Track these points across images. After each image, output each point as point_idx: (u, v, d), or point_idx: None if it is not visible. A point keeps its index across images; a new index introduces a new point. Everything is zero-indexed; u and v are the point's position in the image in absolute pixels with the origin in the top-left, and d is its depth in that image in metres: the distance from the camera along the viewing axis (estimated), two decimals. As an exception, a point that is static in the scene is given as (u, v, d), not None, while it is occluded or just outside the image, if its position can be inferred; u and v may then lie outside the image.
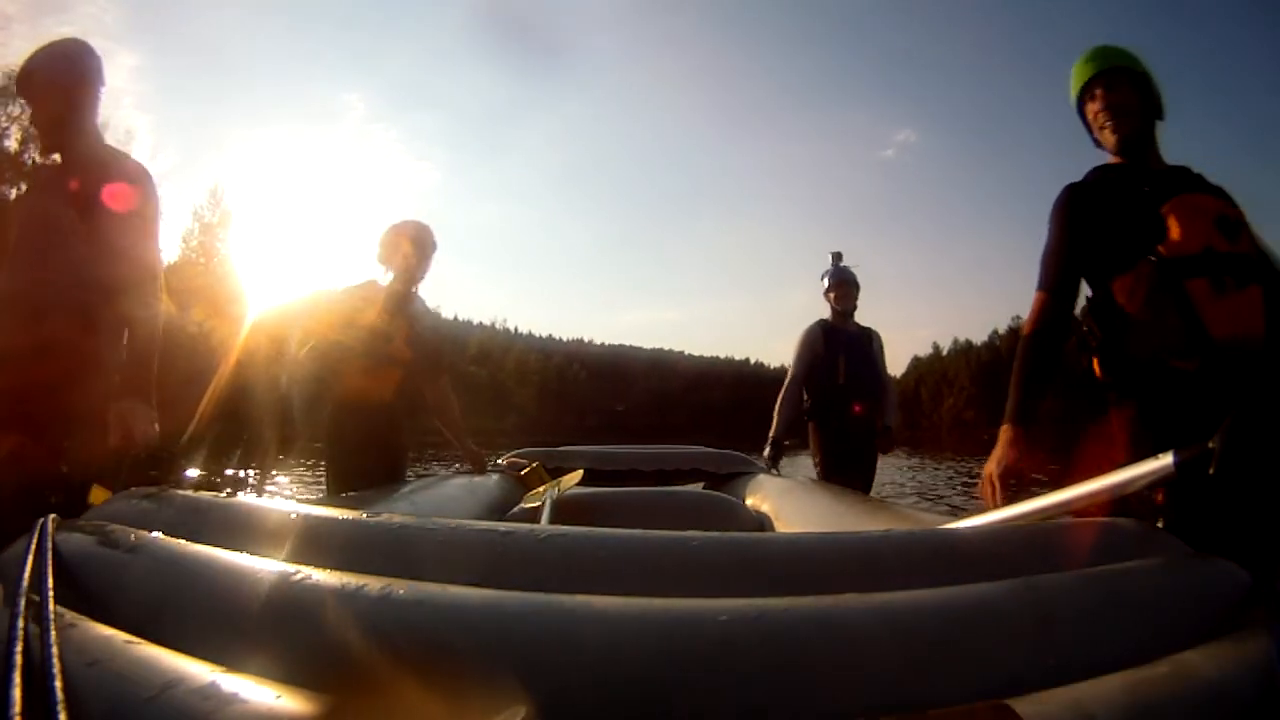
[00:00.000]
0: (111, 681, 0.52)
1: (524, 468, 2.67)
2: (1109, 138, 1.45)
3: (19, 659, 0.50)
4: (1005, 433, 1.35)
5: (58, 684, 0.49)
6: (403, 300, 2.38)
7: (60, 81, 1.57)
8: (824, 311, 3.21)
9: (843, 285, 3.11)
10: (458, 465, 2.65)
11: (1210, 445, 0.83)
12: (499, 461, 2.80)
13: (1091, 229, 1.39)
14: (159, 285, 1.54)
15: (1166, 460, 0.89)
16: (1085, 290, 1.45)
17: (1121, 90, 1.44)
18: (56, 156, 1.62)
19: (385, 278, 2.40)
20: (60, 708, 0.47)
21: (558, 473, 2.50)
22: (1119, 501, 0.99)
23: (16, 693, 0.48)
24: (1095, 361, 1.42)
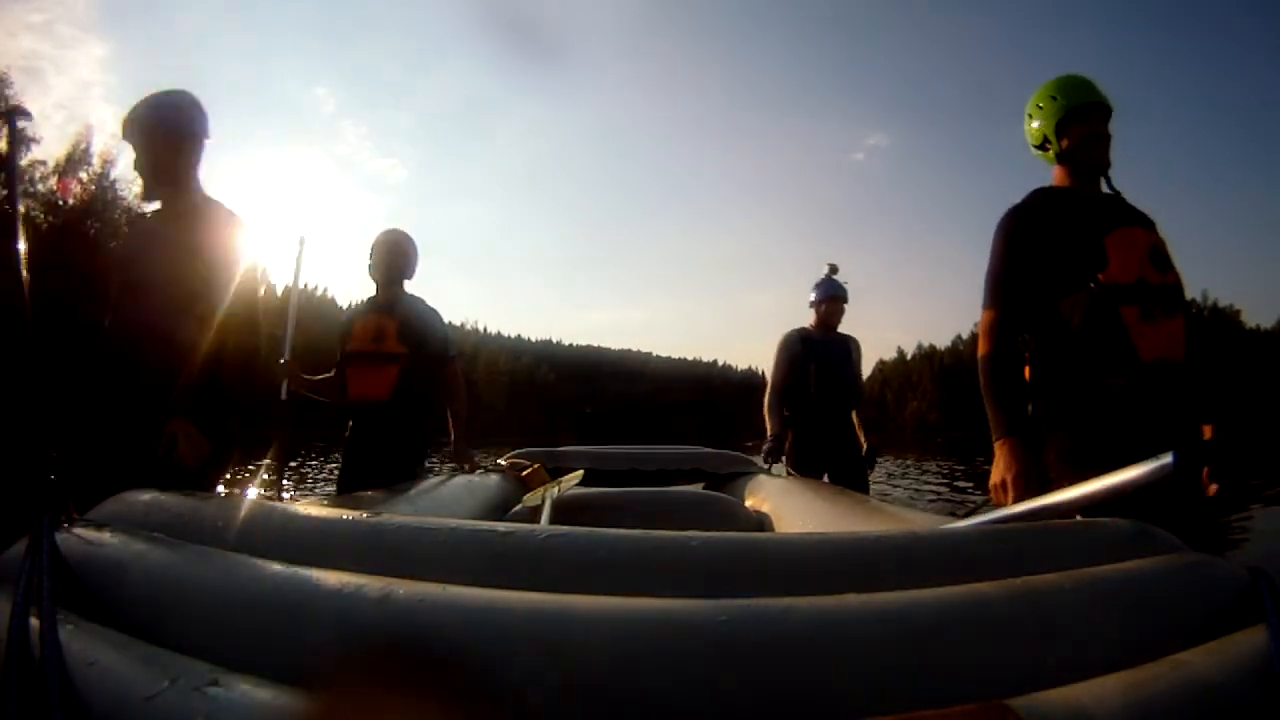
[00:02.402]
0: (111, 681, 0.52)
1: (525, 468, 2.67)
2: (1090, 164, 1.53)
3: (19, 659, 0.50)
4: (1001, 447, 1.38)
5: (58, 683, 0.49)
6: (386, 301, 2.47)
7: (168, 131, 1.62)
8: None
9: (834, 301, 3.13)
10: (447, 464, 2.65)
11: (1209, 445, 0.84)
12: (499, 462, 2.80)
13: (1036, 251, 1.47)
14: (198, 318, 1.54)
15: (1166, 460, 0.89)
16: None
17: (1107, 121, 1.54)
18: (156, 204, 1.67)
19: (383, 285, 2.51)
20: (60, 707, 0.47)
21: (558, 473, 2.51)
22: (1118, 501, 0.99)
23: (17, 693, 0.48)
24: (1027, 369, 1.50)
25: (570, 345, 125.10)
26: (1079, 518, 1.01)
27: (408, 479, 2.32)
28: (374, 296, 2.51)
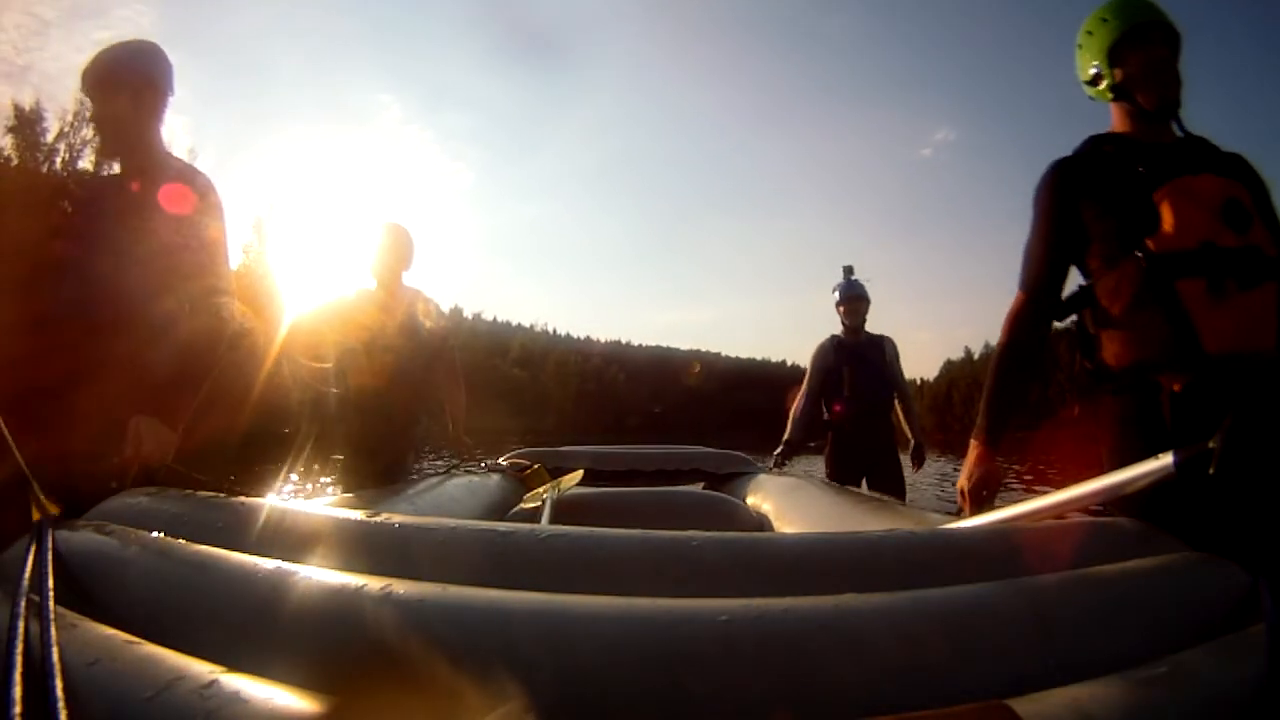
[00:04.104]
0: (111, 681, 0.52)
1: (525, 468, 2.67)
2: (1150, 97, 1.23)
3: (19, 659, 0.50)
4: (974, 449, 1.28)
5: (58, 684, 0.49)
6: (385, 293, 2.48)
7: (127, 80, 1.49)
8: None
9: (853, 300, 3.17)
10: (447, 459, 2.66)
11: (1210, 445, 0.83)
12: (499, 462, 2.80)
13: (1078, 216, 1.22)
14: (218, 299, 1.46)
15: (1166, 460, 0.89)
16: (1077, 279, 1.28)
17: (1172, 47, 1.25)
18: (115, 166, 1.54)
19: (380, 278, 2.52)
20: (60, 708, 0.47)
21: (558, 473, 2.50)
22: (1119, 501, 0.99)
23: (17, 692, 0.48)
24: (1078, 355, 1.28)
25: (640, 346, 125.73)
26: (1079, 518, 1.01)
27: (404, 466, 2.34)
28: (371, 288, 2.52)
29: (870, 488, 2.82)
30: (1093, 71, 1.30)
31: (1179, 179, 1.15)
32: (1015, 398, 1.28)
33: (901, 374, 3.25)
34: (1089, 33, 1.30)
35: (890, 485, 2.95)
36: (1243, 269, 1.10)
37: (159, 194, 1.45)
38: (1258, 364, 1.08)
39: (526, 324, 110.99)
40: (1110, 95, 1.29)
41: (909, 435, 3.21)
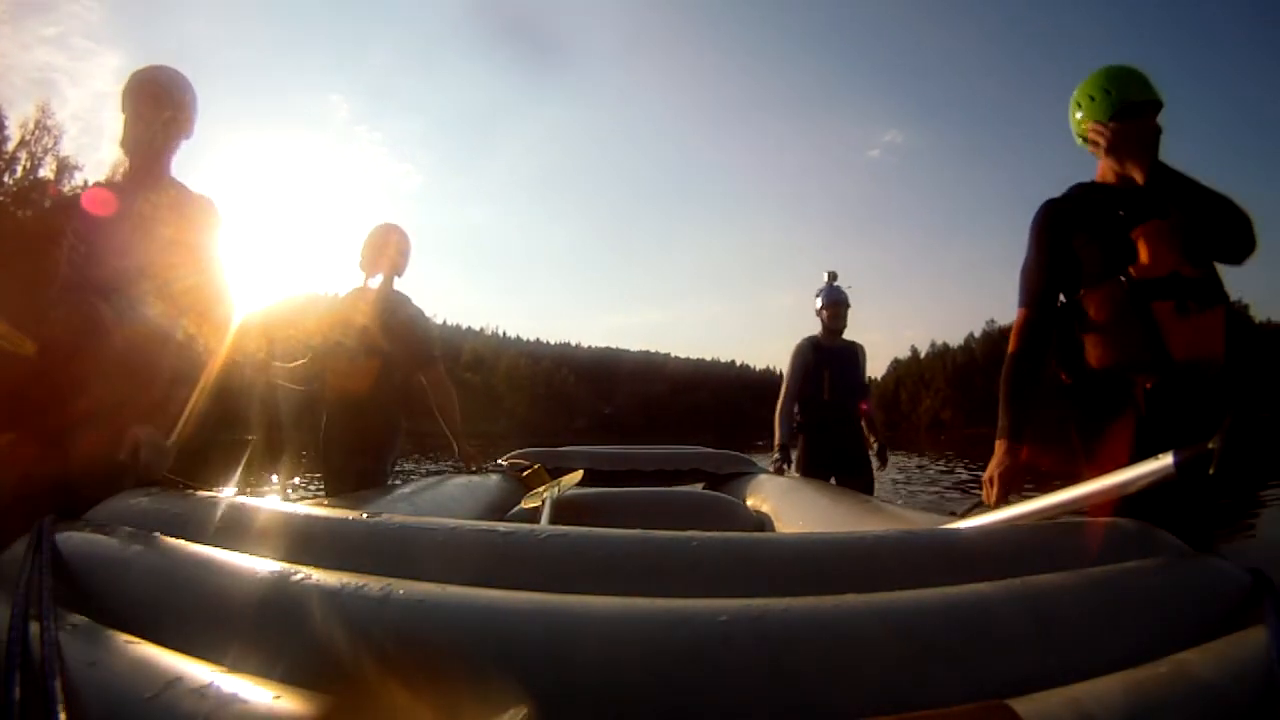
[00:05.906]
0: (111, 681, 0.52)
1: (524, 468, 2.67)
2: (1139, 161, 1.44)
3: (19, 659, 0.50)
4: (1000, 446, 1.44)
5: (57, 684, 0.49)
6: (374, 296, 2.46)
7: (170, 101, 1.63)
8: (811, 318, 3.36)
9: (836, 305, 3.26)
10: (452, 462, 2.65)
11: (1210, 445, 0.83)
12: (499, 462, 2.79)
13: (1067, 246, 1.46)
14: (214, 322, 1.56)
15: (1166, 460, 0.89)
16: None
17: (1158, 121, 1.49)
18: (120, 172, 1.67)
19: (373, 279, 2.50)
20: (60, 707, 0.47)
21: (558, 473, 2.50)
22: (1119, 501, 0.99)
23: (17, 693, 0.48)
24: (1061, 370, 1.50)
25: (589, 347, 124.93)
26: (1079, 518, 1.01)
27: (380, 474, 2.32)
28: (361, 289, 2.50)
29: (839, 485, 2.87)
30: (1089, 131, 1.52)
31: (1154, 220, 1.41)
32: (1028, 397, 1.46)
33: (866, 380, 3.36)
34: (1090, 98, 1.52)
35: (861, 483, 3.01)
36: (1201, 293, 1.37)
37: (159, 214, 1.55)
38: (1211, 369, 1.35)
39: (477, 327, 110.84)
40: (1103, 153, 1.50)
41: (872, 437, 3.29)
